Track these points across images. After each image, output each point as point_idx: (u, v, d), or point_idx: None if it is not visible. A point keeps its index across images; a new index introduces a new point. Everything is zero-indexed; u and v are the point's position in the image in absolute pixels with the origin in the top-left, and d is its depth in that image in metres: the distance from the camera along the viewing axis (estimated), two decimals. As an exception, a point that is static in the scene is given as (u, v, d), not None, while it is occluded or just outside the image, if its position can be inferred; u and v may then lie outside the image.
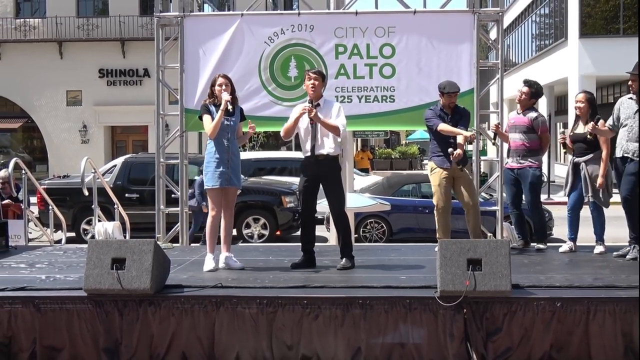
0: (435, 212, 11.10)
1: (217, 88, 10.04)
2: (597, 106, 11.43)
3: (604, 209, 11.24)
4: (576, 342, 8.07)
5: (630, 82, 10.52)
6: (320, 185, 10.13)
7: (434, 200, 11.08)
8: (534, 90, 11.66)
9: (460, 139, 10.67)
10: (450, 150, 10.78)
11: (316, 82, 10.03)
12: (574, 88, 35.99)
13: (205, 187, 10.13)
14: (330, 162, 10.03)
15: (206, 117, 10.01)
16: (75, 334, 8.39)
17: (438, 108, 11.02)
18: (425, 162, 59.99)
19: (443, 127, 10.78)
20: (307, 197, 10.21)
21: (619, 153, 10.52)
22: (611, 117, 10.76)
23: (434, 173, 11.05)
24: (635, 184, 10.41)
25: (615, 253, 10.80)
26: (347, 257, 10.10)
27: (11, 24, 40.56)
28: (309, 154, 10.08)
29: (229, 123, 9.96)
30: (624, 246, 10.85)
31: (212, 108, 10.03)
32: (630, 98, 10.54)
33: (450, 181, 10.99)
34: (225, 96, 9.90)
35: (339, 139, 10.02)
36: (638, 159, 10.27)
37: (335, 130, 9.86)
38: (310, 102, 10.04)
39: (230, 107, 9.93)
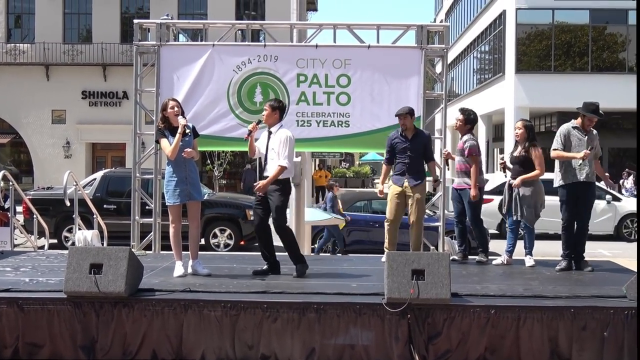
0: (385, 223, 11.20)
1: (170, 111, 9.98)
2: (534, 133, 11.60)
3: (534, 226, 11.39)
4: (508, 345, 8.13)
5: (588, 121, 10.76)
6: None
7: (386, 212, 11.20)
8: (466, 117, 11.75)
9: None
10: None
11: (264, 113, 10.25)
12: (510, 117, 36.40)
13: (166, 203, 10.05)
14: (273, 183, 10.00)
15: (164, 141, 9.92)
16: (55, 332, 8.33)
17: (398, 133, 11.18)
18: (376, 181, 60.28)
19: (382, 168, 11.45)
20: (258, 211, 10.21)
21: (581, 177, 10.69)
22: (558, 142, 10.91)
23: (390, 188, 11.22)
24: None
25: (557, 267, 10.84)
26: (299, 263, 10.10)
27: (2, 49, 40.15)
28: (261, 173, 10.27)
29: (182, 143, 9.90)
30: (558, 260, 11.01)
31: (167, 132, 9.99)
32: (574, 127, 10.78)
33: (402, 197, 11.08)
34: (182, 120, 9.89)
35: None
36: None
37: (276, 170, 9.94)
38: (259, 122, 10.23)
39: (188, 130, 9.96)
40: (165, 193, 10.02)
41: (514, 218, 11.28)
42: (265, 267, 10.24)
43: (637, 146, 9.35)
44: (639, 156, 9.19)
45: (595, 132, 10.87)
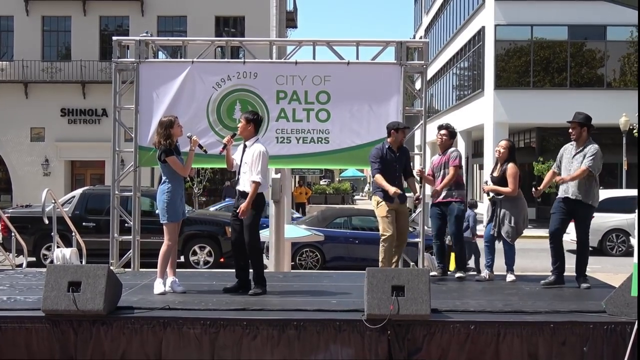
0: (381, 241, 11.04)
1: (177, 129, 10.05)
2: (515, 153, 11.62)
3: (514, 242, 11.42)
4: (487, 361, 8.15)
5: (570, 130, 10.73)
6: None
7: (381, 231, 11.04)
8: (451, 131, 11.82)
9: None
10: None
11: (239, 126, 10.27)
12: (490, 133, 36.56)
13: (167, 221, 9.99)
14: (245, 197, 10.00)
15: (174, 158, 9.96)
16: (34, 350, 8.29)
17: (386, 147, 11.10)
18: (355, 197, 60.27)
19: (378, 178, 10.99)
20: (235, 227, 10.21)
21: (562, 194, 10.75)
22: (555, 163, 11.05)
23: (380, 206, 11.03)
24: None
25: (542, 282, 10.91)
26: (258, 284, 10.06)
27: (-19, 66, 40.12)
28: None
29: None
30: (546, 275, 11.06)
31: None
32: (572, 144, 10.81)
33: (394, 213, 11.02)
34: (196, 137, 10.13)
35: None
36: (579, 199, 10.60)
37: (252, 187, 9.92)
38: (233, 135, 10.34)
39: (203, 149, 10.26)
40: (166, 211, 9.98)
41: (492, 233, 11.33)
42: (235, 283, 10.22)
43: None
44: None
45: (591, 147, 10.69)
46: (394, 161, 11.06)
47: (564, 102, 31.92)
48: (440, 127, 11.89)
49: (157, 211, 10.41)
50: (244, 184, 10.03)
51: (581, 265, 10.86)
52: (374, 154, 11.15)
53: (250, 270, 10.20)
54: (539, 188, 11.16)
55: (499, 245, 11.54)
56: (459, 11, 47.11)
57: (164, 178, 10.11)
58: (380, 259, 10.98)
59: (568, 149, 10.89)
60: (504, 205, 11.26)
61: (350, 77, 13.02)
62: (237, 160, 10.26)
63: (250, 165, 9.98)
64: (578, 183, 10.53)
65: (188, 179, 35.74)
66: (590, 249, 10.86)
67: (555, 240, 10.85)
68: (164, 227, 10.05)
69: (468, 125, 42.75)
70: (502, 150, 11.46)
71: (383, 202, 11.00)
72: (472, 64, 43.32)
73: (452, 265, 15.43)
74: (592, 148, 10.60)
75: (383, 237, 11.01)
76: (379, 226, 11.20)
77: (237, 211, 10.00)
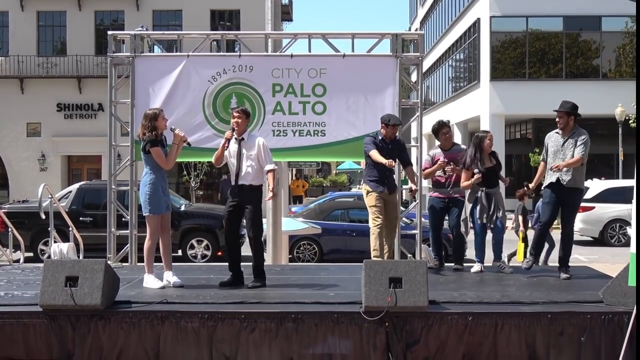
0: (371, 230, 11.03)
1: (161, 121, 9.99)
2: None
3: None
4: (485, 352, 8.16)
5: (557, 119, 10.71)
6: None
7: (370, 220, 11.04)
8: (449, 126, 11.85)
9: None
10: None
11: (239, 120, 10.10)
12: (486, 125, 36.51)
13: (149, 213, 9.94)
14: (251, 191, 10.01)
15: (159, 150, 9.91)
16: (31, 345, 8.29)
17: (379, 138, 11.09)
18: (352, 190, 60.17)
19: (373, 153, 10.87)
20: (231, 221, 10.19)
21: (552, 179, 10.69)
22: (543, 152, 11.02)
23: (369, 196, 11.06)
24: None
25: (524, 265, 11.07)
26: (258, 277, 10.07)
27: (-24, 62, 40.02)
28: (234, 182, 10.12)
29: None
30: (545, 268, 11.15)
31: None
32: (557, 132, 10.78)
33: (383, 202, 11.02)
34: (181, 132, 10.08)
35: (265, 169, 10.06)
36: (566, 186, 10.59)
37: (271, 175, 10.02)
38: (233, 130, 10.16)
39: (186, 143, 10.22)
40: (148, 203, 9.93)
41: (484, 222, 11.29)
42: (230, 277, 10.19)
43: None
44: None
45: (583, 134, 10.61)
46: (386, 152, 11.03)
47: (559, 93, 31.72)
48: (442, 125, 11.79)
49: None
50: (248, 177, 10.00)
51: (567, 255, 10.84)
52: (367, 140, 11.18)
53: (244, 264, 10.19)
54: (530, 186, 11.24)
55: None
56: (454, 3, 47.07)
57: (146, 169, 10.05)
58: (372, 249, 10.99)
59: (553, 138, 10.85)
60: (496, 196, 11.30)
61: (346, 70, 13.01)
62: (231, 156, 10.18)
63: (257, 157, 9.98)
64: (573, 170, 10.51)
65: (185, 172, 36.05)
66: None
67: (547, 229, 11.07)
68: (146, 219, 10.02)
69: (464, 117, 42.74)
70: (489, 142, 11.45)
71: (372, 192, 11.02)
72: (467, 55, 43.30)
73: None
74: (583, 136, 10.59)
75: (372, 226, 11.00)
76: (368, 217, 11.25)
77: (238, 204, 10.04)
